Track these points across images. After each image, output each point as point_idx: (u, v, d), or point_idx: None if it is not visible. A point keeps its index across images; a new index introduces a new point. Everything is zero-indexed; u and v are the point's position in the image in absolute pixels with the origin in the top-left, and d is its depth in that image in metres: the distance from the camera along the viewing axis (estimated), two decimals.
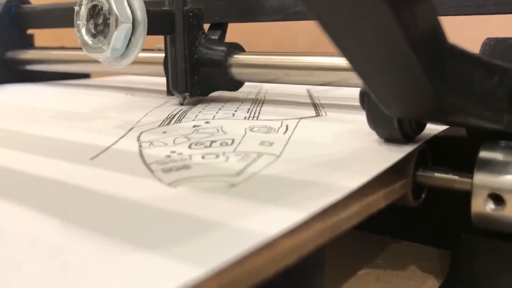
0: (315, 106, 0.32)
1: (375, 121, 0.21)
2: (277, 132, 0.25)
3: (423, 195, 0.22)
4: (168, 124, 0.27)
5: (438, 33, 0.15)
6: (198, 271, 0.11)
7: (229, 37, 0.38)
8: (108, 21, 0.27)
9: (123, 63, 0.28)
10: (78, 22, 0.28)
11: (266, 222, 0.13)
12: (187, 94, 0.34)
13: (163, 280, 0.10)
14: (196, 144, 0.22)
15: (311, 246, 0.14)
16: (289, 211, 0.14)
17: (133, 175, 0.18)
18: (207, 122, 0.27)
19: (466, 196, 0.19)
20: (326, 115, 0.29)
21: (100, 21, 0.28)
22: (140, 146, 0.22)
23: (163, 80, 0.36)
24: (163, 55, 0.36)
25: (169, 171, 0.18)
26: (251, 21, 0.37)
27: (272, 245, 0.12)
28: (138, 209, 0.15)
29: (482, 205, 0.18)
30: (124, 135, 0.25)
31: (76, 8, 0.29)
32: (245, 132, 0.25)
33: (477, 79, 0.16)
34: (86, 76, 0.55)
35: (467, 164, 0.19)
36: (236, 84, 0.35)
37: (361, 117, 0.22)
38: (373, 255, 0.24)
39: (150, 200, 0.15)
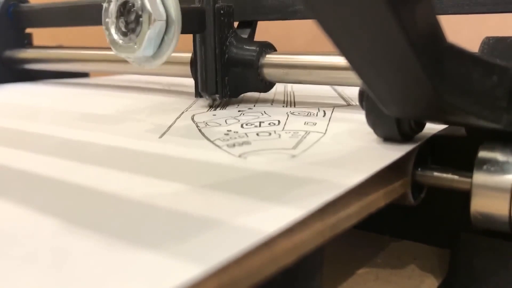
0: (343, 98, 0.35)
1: (374, 120, 0.21)
2: (316, 116, 0.28)
3: (422, 195, 0.22)
4: (215, 108, 0.31)
5: (437, 32, 0.15)
6: (197, 270, 0.11)
7: None
8: (140, 19, 0.25)
9: (155, 64, 0.26)
10: (107, 19, 0.27)
11: (265, 220, 0.13)
12: (217, 95, 0.32)
13: (162, 278, 0.10)
14: (246, 124, 0.25)
15: (311, 245, 0.14)
16: (288, 208, 0.14)
17: (203, 149, 0.21)
18: (250, 109, 0.31)
19: (465, 195, 0.19)
20: (355, 104, 0.31)
21: (132, 18, 0.26)
22: (197, 125, 0.25)
23: (171, 79, 0.35)
24: (189, 54, 0.34)
25: (233, 146, 0.21)
26: (255, 20, 0.37)
27: (272, 244, 0.12)
28: (137, 208, 0.15)
29: (481, 204, 0.18)
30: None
31: (105, 4, 0.27)
32: (287, 115, 0.28)
33: (476, 78, 0.16)
34: (84, 75, 0.55)
35: (466, 163, 0.19)
36: (267, 85, 0.34)
37: (360, 117, 0.22)
38: (372, 254, 0.24)
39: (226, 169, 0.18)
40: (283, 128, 0.24)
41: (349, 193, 0.16)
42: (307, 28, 0.61)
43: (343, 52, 0.15)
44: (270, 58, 0.33)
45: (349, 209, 0.16)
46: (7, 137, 0.25)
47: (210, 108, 0.32)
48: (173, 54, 0.30)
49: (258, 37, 0.36)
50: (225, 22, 0.32)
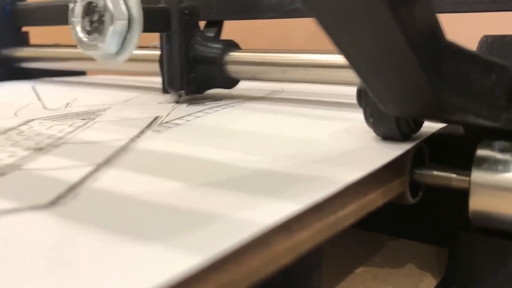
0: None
1: (372, 119, 0.21)
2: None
3: (421, 193, 0.22)
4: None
5: (436, 31, 0.15)
6: (195, 260, 0.10)
7: (225, 35, 0.38)
8: (103, 18, 0.27)
9: (118, 61, 0.28)
10: (73, 19, 0.28)
11: (262, 214, 0.13)
12: (182, 92, 0.34)
13: (160, 270, 0.10)
14: None
15: (309, 245, 0.14)
16: (285, 203, 0.14)
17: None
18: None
19: (463, 194, 0.19)
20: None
21: (95, 18, 0.27)
22: None
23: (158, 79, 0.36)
24: (158, 52, 0.35)
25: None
26: (248, 19, 0.37)
27: (271, 244, 0.12)
28: (134, 203, 0.15)
29: (480, 203, 0.18)
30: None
31: (71, 5, 0.28)
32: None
33: (475, 77, 0.16)
34: (81, 73, 0.55)
35: (465, 162, 0.19)
36: (232, 82, 0.35)
37: (358, 115, 0.22)
38: (371, 253, 0.24)
39: None
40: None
41: (348, 192, 0.16)
42: (304, 27, 0.60)
43: (342, 51, 0.14)
44: (234, 55, 0.34)
45: (347, 208, 0.16)
46: None
47: (176, 104, 0.33)
48: (143, 52, 0.32)
49: (254, 36, 0.36)
50: (190, 21, 0.33)
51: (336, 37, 0.14)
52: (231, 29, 0.39)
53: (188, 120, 0.28)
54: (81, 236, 0.13)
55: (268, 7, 0.36)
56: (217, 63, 0.34)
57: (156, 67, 0.36)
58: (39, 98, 0.39)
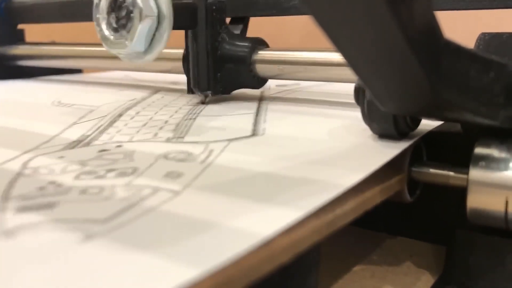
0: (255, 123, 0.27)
1: (370, 117, 0.21)
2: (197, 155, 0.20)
3: (418, 191, 0.22)
4: (73, 147, 0.22)
5: (434, 28, 0.15)
6: (193, 272, 0.10)
7: None
8: (131, 15, 0.25)
9: (146, 60, 0.26)
10: (98, 15, 0.26)
11: (262, 221, 0.13)
12: (209, 92, 0.32)
13: (158, 281, 0.10)
14: (87, 174, 0.18)
15: (308, 243, 0.14)
16: (286, 210, 0.14)
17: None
18: (118, 146, 0.22)
19: (461, 192, 0.19)
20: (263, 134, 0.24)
21: (123, 14, 0.26)
22: (20, 172, 0.18)
23: (154, 76, 0.35)
24: (181, 51, 0.34)
25: (28, 210, 0.14)
26: (247, 16, 0.37)
27: (268, 243, 0.12)
28: (132, 209, 0.14)
29: (477, 201, 0.18)
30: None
31: (96, 0, 0.27)
32: (157, 159, 0.20)
33: (473, 75, 0.16)
34: (78, 71, 0.55)
35: (462, 159, 0.19)
36: (260, 81, 0.34)
37: (356, 113, 0.22)
38: (368, 251, 0.24)
39: None
40: (131, 181, 0.17)
41: (346, 191, 0.16)
42: (301, 25, 0.60)
43: (340, 48, 0.14)
44: (263, 54, 0.33)
45: (345, 206, 0.16)
46: None
47: (202, 104, 0.32)
48: (165, 50, 0.30)
49: (251, 33, 0.36)
50: (217, 18, 0.32)
51: (334, 35, 0.14)
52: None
53: (185, 119, 0.28)
54: (75, 243, 0.12)
55: (264, 4, 0.35)
56: (246, 62, 0.32)
57: (177, 66, 0.35)
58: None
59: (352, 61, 0.15)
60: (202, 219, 0.14)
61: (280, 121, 0.27)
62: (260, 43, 0.33)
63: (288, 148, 0.21)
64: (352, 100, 0.22)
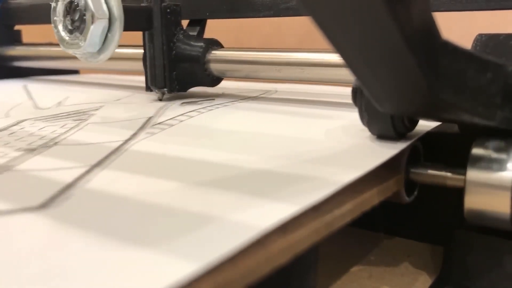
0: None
1: (367, 117, 0.21)
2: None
3: (416, 192, 0.22)
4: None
5: (432, 29, 0.15)
6: (192, 267, 0.10)
7: (218, 34, 0.37)
8: (84, 17, 0.27)
9: (100, 59, 0.28)
10: (55, 18, 0.29)
11: (259, 216, 0.13)
12: (165, 89, 0.34)
13: (156, 276, 0.10)
14: None
15: (306, 244, 0.14)
16: (283, 205, 0.14)
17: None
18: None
19: (458, 192, 0.19)
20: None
21: (77, 17, 0.28)
22: None
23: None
24: (142, 51, 0.36)
25: None
26: (242, 17, 0.37)
27: (267, 244, 0.12)
28: (129, 206, 0.14)
29: (475, 201, 0.18)
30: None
31: (53, 4, 0.29)
32: None
33: (470, 75, 0.16)
34: (75, 72, 0.55)
35: (460, 160, 0.19)
36: (215, 80, 0.36)
37: (354, 114, 0.22)
38: (366, 251, 0.24)
39: None
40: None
41: (344, 191, 0.16)
42: (298, 26, 0.60)
43: (337, 48, 0.14)
44: (216, 53, 0.34)
45: (343, 207, 0.16)
46: None
47: (159, 101, 0.34)
48: (127, 51, 0.32)
49: (249, 35, 0.36)
50: (172, 20, 0.34)
51: (332, 35, 0.14)
52: (224, 28, 0.39)
53: (182, 121, 0.28)
54: (74, 239, 0.12)
55: (262, 5, 0.35)
56: (199, 61, 0.34)
57: (139, 65, 0.36)
58: (30, 97, 0.38)
59: (349, 61, 0.15)
60: (199, 214, 0.14)
61: (276, 121, 0.27)
62: (215, 44, 0.35)
63: (286, 148, 0.21)
64: (350, 101, 0.22)
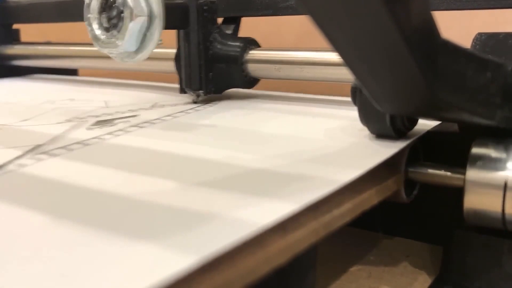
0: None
1: (367, 116, 0.21)
2: None
3: (415, 192, 0.22)
4: None
5: (431, 28, 0.15)
6: (190, 260, 0.10)
7: None
8: (122, 14, 0.25)
9: (137, 59, 0.26)
10: (88, 15, 0.27)
11: (258, 213, 0.13)
12: (201, 92, 0.32)
13: (155, 269, 0.10)
14: None
15: (305, 244, 0.14)
16: (282, 203, 0.14)
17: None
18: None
19: (458, 192, 0.19)
20: None
21: (114, 14, 0.26)
22: None
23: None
24: (173, 50, 0.34)
25: None
26: (241, 16, 0.37)
27: (266, 244, 0.12)
28: (129, 202, 0.14)
29: (474, 201, 0.18)
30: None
31: (87, 0, 0.27)
32: None
33: (470, 75, 0.16)
34: (73, 72, 0.55)
35: (459, 159, 0.19)
36: (252, 81, 0.34)
37: (353, 113, 0.22)
38: (365, 251, 0.24)
39: None
40: None
41: (343, 191, 0.16)
42: (297, 25, 0.60)
43: (337, 48, 0.14)
44: (254, 54, 0.33)
45: (342, 207, 0.16)
46: None
47: (194, 103, 0.32)
48: (158, 50, 0.30)
49: (247, 34, 0.36)
50: (208, 18, 0.32)
51: (331, 34, 0.14)
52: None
53: (176, 117, 0.28)
54: (74, 233, 0.12)
55: (261, 4, 0.35)
56: (237, 62, 0.33)
57: (170, 65, 0.35)
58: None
59: (349, 61, 0.15)
60: (198, 211, 0.14)
61: (276, 120, 0.27)
62: (252, 43, 0.34)
63: (285, 146, 0.21)
64: (350, 100, 0.22)
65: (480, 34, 0.22)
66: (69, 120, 0.28)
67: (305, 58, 0.31)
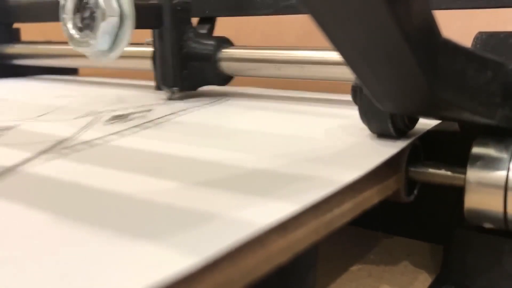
0: None
1: (367, 116, 0.21)
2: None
3: (416, 191, 0.22)
4: None
5: (432, 27, 0.15)
6: (190, 261, 0.10)
7: (217, 32, 0.37)
8: (95, 15, 0.27)
9: (110, 57, 0.27)
10: (64, 15, 0.28)
11: (259, 214, 0.13)
12: (176, 88, 0.34)
13: (155, 269, 0.10)
14: None
15: (305, 243, 0.14)
16: (283, 203, 0.14)
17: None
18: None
19: (458, 191, 0.19)
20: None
21: (87, 14, 0.27)
22: None
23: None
24: (151, 49, 0.35)
25: None
26: (242, 15, 0.37)
27: (266, 243, 0.12)
28: (129, 202, 0.14)
29: (475, 200, 0.18)
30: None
31: (62, 1, 0.28)
32: None
33: (470, 74, 0.16)
34: (74, 71, 0.55)
35: (460, 159, 0.19)
36: (225, 78, 0.35)
37: (354, 112, 0.22)
38: (365, 250, 0.24)
39: None
40: None
41: (343, 190, 0.16)
42: (298, 24, 0.60)
43: (337, 46, 0.14)
44: (227, 52, 0.34)
45: (343, 206, 0.16)
46: None
47: (169, 100, 0.33)
48: (136, 49, 0.32)
49: (246, 33, 0.36)
50: (182, 18, 0.33)
51: (332, 33, 0.14)
52: (223, 26, 0.39)
53: (180, 115, 0.28)
54: (74, 233, 0.12)
55: (262, 4, 0.35)
56: (210, 60, 0.34)
57: (149, 64, 0.36)
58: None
59: (349, 60, 0.15)
60: (199, 211, 0.14)
61: (275, 119, 0.27)
62: (225, 42, 0.35)
63: (290, 145, 0.21)
64: (350, 99, 0.22)
65: (480, 33, 0.22)
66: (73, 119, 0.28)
67: (279, 56, 0.32)
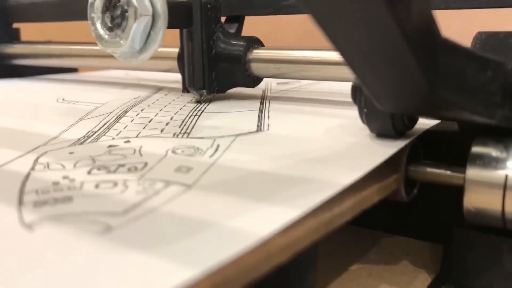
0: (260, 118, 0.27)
1: (367, 115, 0.21)
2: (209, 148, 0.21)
3: (415, 190, 0.22)
4: (82, 143, 0.22)
5: (431, 27, 0.15)
6: (191, 272, 0.10)
7: None
8: (126, 14, 0.25)
9: (141, 59, 0.26)
10: (92, 14, 0.26)
11: (260, 221, 0.13)
12: (204, 91, 0.32)
13: (155, 280, 0.10)
14: (99, 169, 0.18)
15: (305, 243, 0.14)
16: (283, 208, 0.14)
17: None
18: (127, 142, 0.22)
19: (458, 191, 0.19)
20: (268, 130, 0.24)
21: (118, 13, 0.26)
22: (32, 168, 0.18)
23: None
24: (176, 49, 0.34)
25: (43, 204, 0.15)
26: (242, 15, 0.37)
27: (266, 243, 0.12)
28: (131, 209, 0.14)
29: (474, 199, 0.18)
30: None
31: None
32: (166, 153, 0.20)
33: (470, 74, 0.16)
34: (73, 70, 0.55)
35: (459, 158, 0.19)
36: (255, 80, 0.34)
37: (353, 112, 0.22)
38: (365, 250, 0.24)
39: None
40: (142, 175, 0.17)
41: (344, 190, 0.16)
42: (297, 24, 0.60)
43: (337, 46, 0.14)
44: (258, 53, 0.33)
45: (343, 205, 0.16)
46: None
47: (197, 103, 0.32)
48: (160, 49, 0.30)
49: (247, 32, 0.36)
50: (212, 17, 0.32)
51: (332, 33, 0.14)
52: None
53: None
54: (73, 242, 0.12)
55: (261, 3, 0.35)
56: (240, 61, 0.32)
57: (172, 65, 0.35)
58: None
59: (349, 60, 0.15)
60: (200, 219, 0.13)
61: (282, 119, 0.27)
62: (255, 42, 0.33)
63: (289, 146, 0.21)
64: (350, 99, 0.22)
65: (480, 33, 0.22)
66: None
67: (308, 58, 0.31)
